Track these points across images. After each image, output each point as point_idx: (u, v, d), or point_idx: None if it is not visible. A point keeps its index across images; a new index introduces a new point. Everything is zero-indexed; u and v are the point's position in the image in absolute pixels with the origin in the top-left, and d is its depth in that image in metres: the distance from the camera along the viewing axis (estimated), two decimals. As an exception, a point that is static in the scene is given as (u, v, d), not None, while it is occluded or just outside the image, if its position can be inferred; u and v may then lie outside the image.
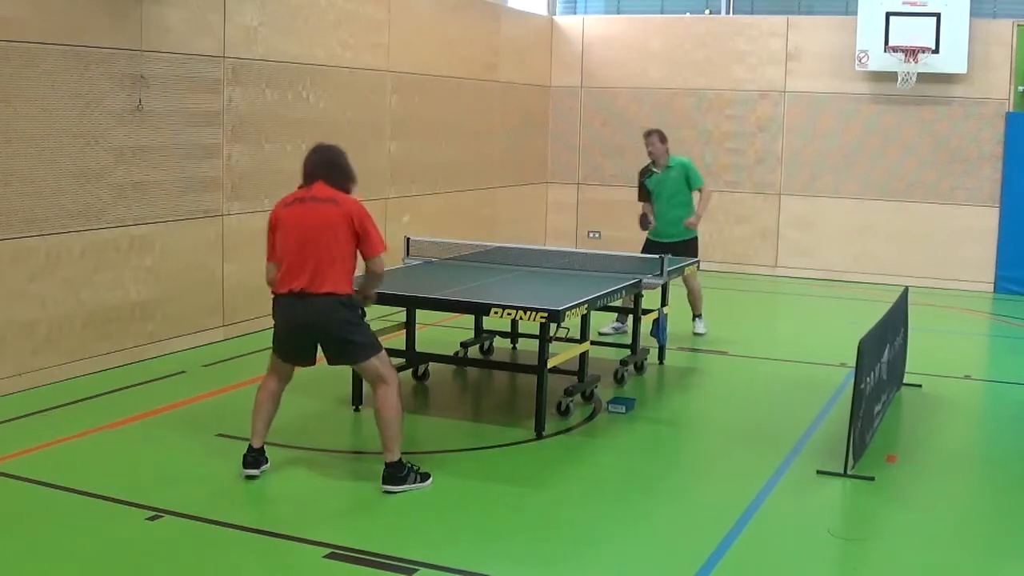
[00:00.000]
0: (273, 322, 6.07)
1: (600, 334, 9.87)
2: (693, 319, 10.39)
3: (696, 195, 10.18)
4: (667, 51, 14.90)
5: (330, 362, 6.07)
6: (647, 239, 10.27)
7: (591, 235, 15.32)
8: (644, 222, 10.21)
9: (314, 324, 5.87)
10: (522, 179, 14.93)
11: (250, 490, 5.96)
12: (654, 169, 10.21)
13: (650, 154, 10.18)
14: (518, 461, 6.59)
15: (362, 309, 6.03)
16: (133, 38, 8.28)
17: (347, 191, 5.99)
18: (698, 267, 9.79)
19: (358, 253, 5.94)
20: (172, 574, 4.85)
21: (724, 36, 14.70)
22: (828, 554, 5.35)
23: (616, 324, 10.20)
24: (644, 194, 10.30)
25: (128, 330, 8.48)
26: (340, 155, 6.06)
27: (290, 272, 5.85)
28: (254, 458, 6.08)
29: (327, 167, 5.98)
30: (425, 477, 6.02)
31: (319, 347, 6.01)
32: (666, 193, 10.14)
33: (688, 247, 10.09)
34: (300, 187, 5.98)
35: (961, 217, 13.74)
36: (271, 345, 6.15)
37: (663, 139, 10.15)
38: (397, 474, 5.91)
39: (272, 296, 5.99)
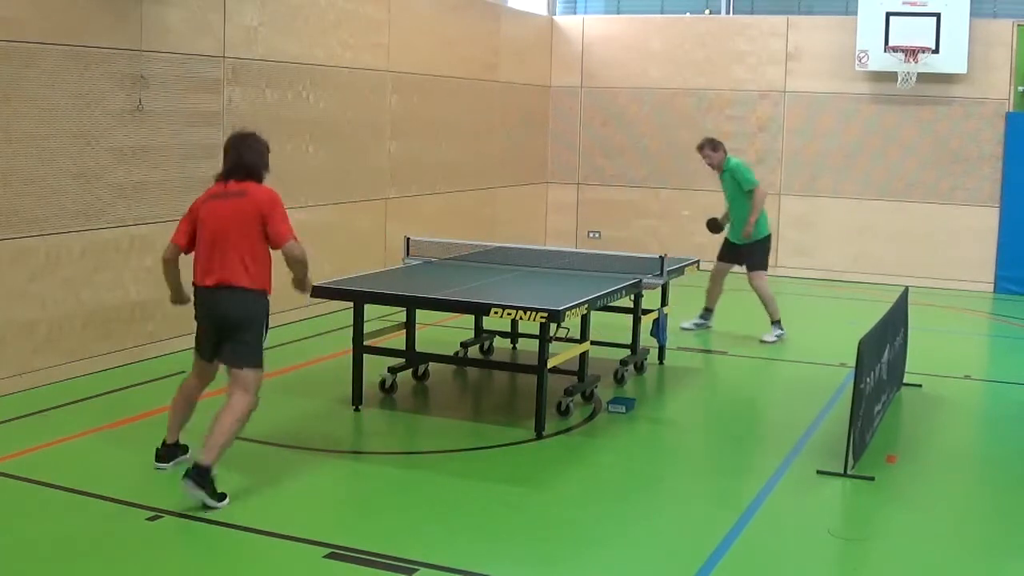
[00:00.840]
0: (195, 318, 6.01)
1: (681, 329, 10.27)
2: (771, 324, 10.29)
3: (750, 197, 10.12)
4: (667, 51, 14.90)
5: (219, 357, 5.90)
6: (725, 239, 10.52)
7: (591, 235, 15.32)
8: (713, 225, 10.48)
9: (228, 318, 5.79)
10: (522, 179, 14.93)
11: (250, 490, 5.95)
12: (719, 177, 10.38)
13: (709, 165, 10.30)
14: (518, 461, 6.59)
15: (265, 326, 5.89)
16: (133, 38, 8.28)
17: (260, 179, 5.91)
18: (698, 267, 9.68)
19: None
20: (172, 574, 4.85)
21: (724, 36, 14.70)
22: (828, 554, 5.35)
23: (698, 320, 10.53)
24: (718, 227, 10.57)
25: (128, 330, 8.48)
26: (255, 142, 5.96)
27: (205, 266, 5.82)
28: (166, 452, 6.13)
29: (241, 162, 5.89)
30: (222, 498, 5.60)
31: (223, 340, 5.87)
32: (728, 195, 10.30)
33: (754, 250, 10.20)
34: (218, 180, 5.94)
35: (961, 217, 13.74)
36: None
37: (715, 147, 10.19)
38: (202, 477, 5.53)
39: (193, 291, 5.94)
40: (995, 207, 13.59)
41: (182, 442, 6.21)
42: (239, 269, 5.76)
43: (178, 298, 6.16)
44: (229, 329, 5.82)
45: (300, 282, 6.00)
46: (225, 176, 5.92)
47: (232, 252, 5.76)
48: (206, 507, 5.49)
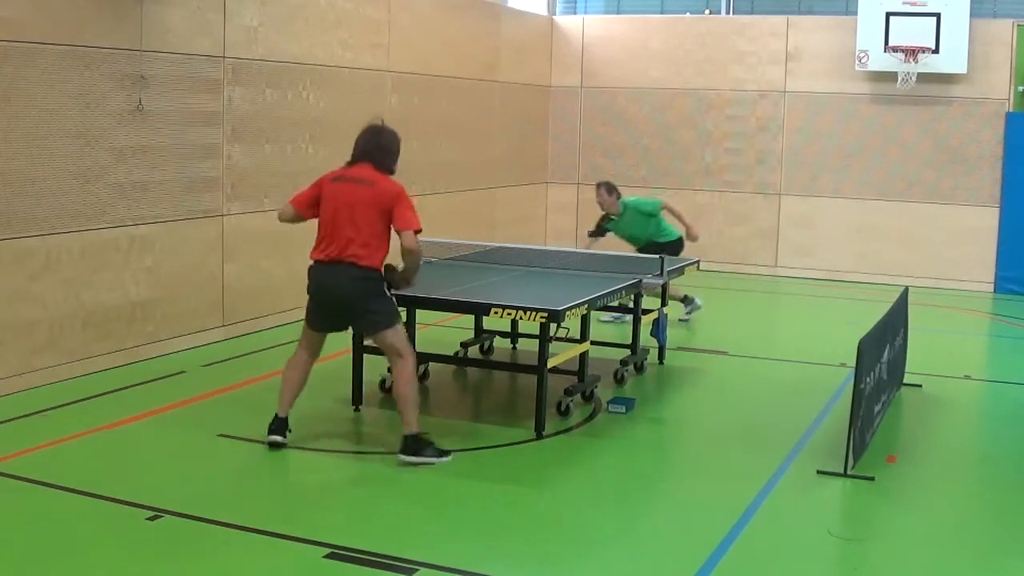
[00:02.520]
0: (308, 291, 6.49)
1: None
2: (684, 304, 10.81)
3: (665, 213, 10.59)
4: (667, 51, 14.90)
5: (355, 330, 6.73)
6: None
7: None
8: (597, 233, 10.82)
9: (337, 290, 6.29)
10: (522, 179, 14.93)
11: (250, 490, 5.96)
12: (612, 216, 10.65)
13: (600, 205, 10.64)
14: (518, 461, 6.59)
15: (389, 287, 6.42)
16: (133, 38, 8.27)
17: (390, 172, 6.42)
18: (698, 267, 9.80)
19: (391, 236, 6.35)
20: (172, 574, 4.85)
21: (724, 36, 14.70)
22: (828, 554, 5.35)
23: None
24: (602, 232, 10.83)
25: (128, 330, 8.48)
26: (391, 139, 6.51)
27: (324, 243, 6.32)
28: (278, 426, 6.50)
29: (371, 150, 6.42)
30: (443, 453, 6.32)
31: (345, 315, 6.44)
32: (631, 228, 10.62)
33: (675, 249, 10.51)
34: (346, 164, 6.48)
35: (961, 217, 13.74)
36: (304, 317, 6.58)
37: (610, 191, 10.56)
38: (413, 445, 6.27)
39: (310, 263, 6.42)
40: (995, 207, 13.59)
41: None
42: (356, 249, 6.23)
43: None
44: (344, 303, 6.32)
45: (408, 276, 6.51)
46: (354, 160, 6.47)
47: (352, 232, 6.23)
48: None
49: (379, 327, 6.37)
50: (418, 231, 6.27)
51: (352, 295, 6.29)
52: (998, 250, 13.60)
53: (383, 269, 6.35)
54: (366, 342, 7.43)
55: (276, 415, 6.53)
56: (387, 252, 6.37)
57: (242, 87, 9.43)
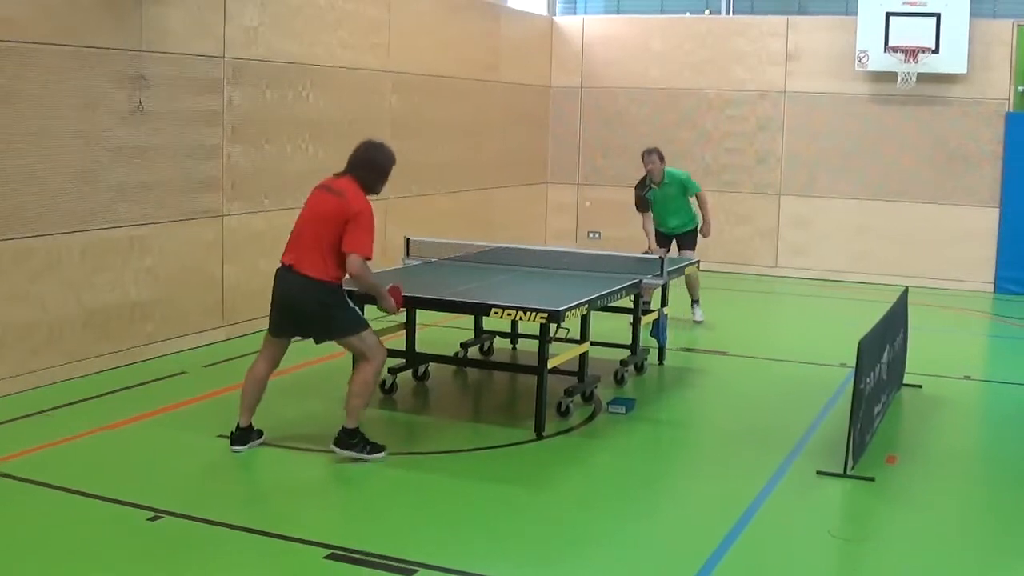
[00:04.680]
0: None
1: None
2: (691, 305, 10.73)
3: (693, 200, 10.74)
4: (667, 51, 14.90)
5: (314, 340, 6.53)
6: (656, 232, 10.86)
7: (591, 235, 15.32)
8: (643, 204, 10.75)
9: (292, 300, 6.29)
10: (522, 179, 14.93)
11: (250, 490, 5.97)
12: (652, 184, 10.60)
13: (649, 171, 10.59)
14: (518, 461, 6.59)
15: (346, 293, 6.41)
16: (133, 38, 8.27)
17: (372, 191, 6.37)
18: (698, 267, 9.85)
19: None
20: (172, 574, 4.85)
21: (724, 36, 14.70)
22: (828, 554, 5.35)
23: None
24: (644, 205, 10.71)
25: (128, 331, 8.48)
26: (383, 157, 6.44)
27: (288, 247, 6.35)
28: (239, 436, 6.48)
29: (360, 164, 6.39)
30: (377, 449, 6.35)
31: (301, 325, 6.42)
32: (666, 203, 10.66)
33: (690, 236, 10.74)
34: (335, 174, 6.45)
35: (961, 217, 13.74)
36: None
37: (663, 158, 10.62)
38: (347, 439, 6.34)
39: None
40: (995, 207, 13.59)
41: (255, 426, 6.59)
42: (313, 259, 6.20)
43: None
44: (298, 311, 6.30)
45: (384, 305, 6.53)
46: (344, 171, 6.43)
47: (313, 242, 6.21)
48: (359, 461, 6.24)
49: (335, 335, 6.33)
50: (366, 257, 6.14)
51: (303, 303, 6.25)
52: (998, 250, 13.60)
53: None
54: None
55: (237, 424, 6.50)
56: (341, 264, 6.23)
57: (242, 87, 9.43)
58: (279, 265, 6.36)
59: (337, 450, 6.34)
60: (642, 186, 10.66)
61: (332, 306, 6.27)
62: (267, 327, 6.54)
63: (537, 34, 15.22)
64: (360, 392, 6.32)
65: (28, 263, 7.60)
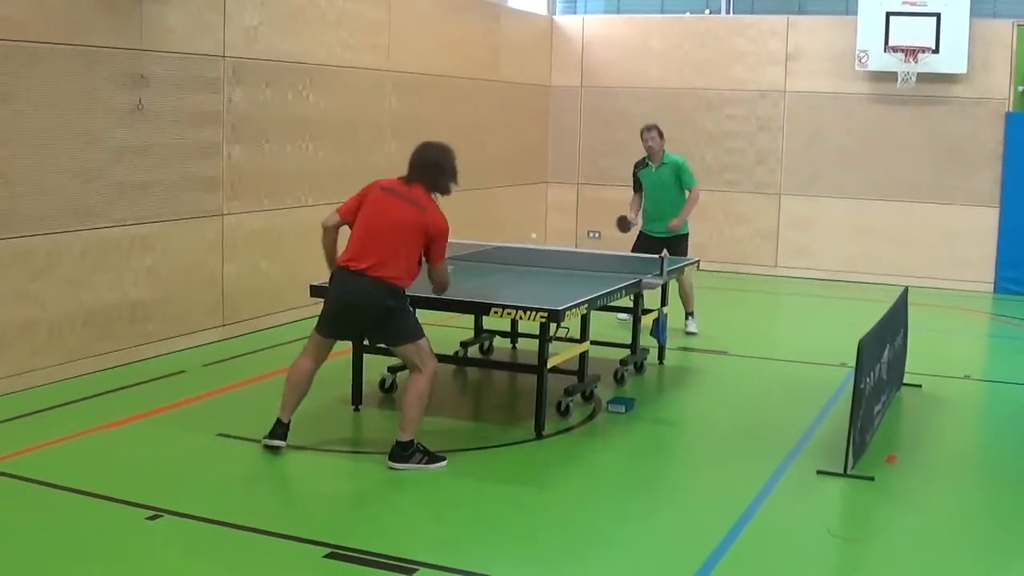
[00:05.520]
0: (325, 296, 6.50)
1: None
2: (685, 318, 10.41)
3: (687, 194, 10.28)
4: (667, 51, 14.90)
5: (371, 342, 6.80)
6: (640, 231, 10.41)
7: (591, 235, 15.31)
8: (623, 224, 10.25)
9: (359, 302, 6.26)
10: (522, 179, 14.93)
11: (250, 490, 5.96)
12: (649, 163, 10.32)
13: (648, 148, 10.29)
14: (518, 461, 6.59)
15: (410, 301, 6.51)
16: (133, 38, 8.27)
17: (446, 192, 6.41)
18: (697, 267, 9.82)
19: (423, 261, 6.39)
20: (172, 574, 4.85)
21: (724, 36, 14.70)
22: (828, 554, 5.35)
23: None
24: (637, 185, 10.43)
25: (128, 330, 8.48)
26: (446, 156, 6.42)
27: (356, 251, 6.26)
28: (280, 430, 6.45)
29: (428, 168, 6.35)
30: (436, 459, 6.27)
31: (362, 327, 6.55)
32: (658, 189, 10.28)
33: (680, 244, 10.17)
34: (400, 179, 6.38)
35: (961, 217, 13.74)
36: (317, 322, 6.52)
37: (662, 135, 10.32)
38: (402, 452, 6.23)
39: (334, 268, 6.40)
40: (995, 207, 13.59)
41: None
42: (388, 265, 6.21)
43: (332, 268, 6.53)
44: (364, 314, 6.31)
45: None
46: (410, 178, 6.36)
47: (390, 250, 6.20)
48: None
49: (395, 341, 6.38)
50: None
51: (371, 307, 6.24)
52: (998, 250, 13.59)
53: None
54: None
55: (278, 419, 6.48)
56: (417, 274, 6.37)
57: (242, 87, 9.43)
58: (341, 267, 6.29)
59: (396, 465, 6.21)
60: (640, 166, 10.40)
61: (398, 311, 6.29)
62: (316, 326, 6.49)
63: (537, 34, 15.22)
64: (415, 402, 6.26)
65: (28, 262, 7.60)
